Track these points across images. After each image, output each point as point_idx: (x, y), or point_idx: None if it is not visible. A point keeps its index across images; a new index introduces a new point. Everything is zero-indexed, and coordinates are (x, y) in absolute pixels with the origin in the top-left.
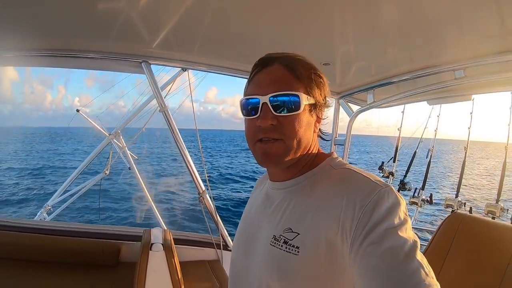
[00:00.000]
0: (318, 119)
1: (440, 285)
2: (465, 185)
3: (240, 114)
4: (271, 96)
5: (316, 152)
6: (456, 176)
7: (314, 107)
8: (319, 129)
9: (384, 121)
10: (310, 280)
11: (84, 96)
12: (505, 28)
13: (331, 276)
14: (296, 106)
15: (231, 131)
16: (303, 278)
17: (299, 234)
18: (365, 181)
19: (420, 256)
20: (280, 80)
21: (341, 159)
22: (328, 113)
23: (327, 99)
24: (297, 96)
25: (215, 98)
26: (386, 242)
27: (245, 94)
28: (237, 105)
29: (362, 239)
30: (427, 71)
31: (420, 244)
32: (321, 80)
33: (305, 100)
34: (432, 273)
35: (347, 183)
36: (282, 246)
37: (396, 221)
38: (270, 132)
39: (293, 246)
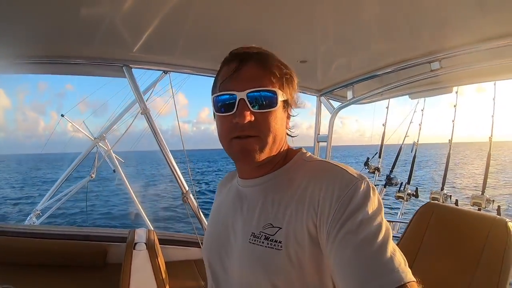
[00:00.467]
0: (289, 116)
1: (416, 273)
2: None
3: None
4: (248, 92)
5: (286, 148)
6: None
7: (286, 104)
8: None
9: (377, 130)
10: (296, 273)
11: (78, 121)
12: (480, 19)
13: (316, 268)
14: (273, 102)
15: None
16: (289, 273)
17: (280, 228)
18: (342, 173)
19: (392, 245)
20: (257, 76)
21: (310, 153)
22: (298, 110)
23: (297, 97)
24: (274, 92)
25: (208, 118)
26: (361, 231)
27: (218, 90)
28: None
29: (338, 229)
30: (405, 64)
31: (394, 236)
32: (292, 77)
33: (280, 97)
34: (405, 261)
35: (324, 174)
36: (263, 242)
37: (371, 210)
38: (247, 129)
39: (276, 241)
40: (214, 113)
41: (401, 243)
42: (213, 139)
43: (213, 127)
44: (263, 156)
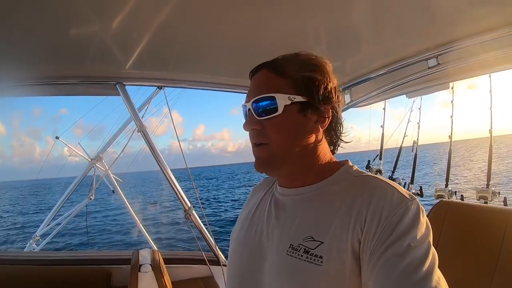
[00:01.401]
0: (321, 119)
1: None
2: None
3: (229, 148)
4: (252, 101)
5: (328, 157)
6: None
7: (306, 106)
8: (338, 132)
9: (374, 135)
10: None
11: (74, 145)
12: (472, 12)
13: (355, 287)
14: (273, 108)
15: (221, 166)
16: None
17: (322, 243)
18: (393, 192)
19: (438, 273)
20: (263, 84)
21: (357, 167)
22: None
23: (334, 95)
24: (272, 97)
25: (203, 134)
26: (408, 256)
27: None
28: (226, 139)
29: (383, 250)
30: (402, 63)
31: None
32: (316, 75)
33: (283, 100)
34: None
35: (374, 191)
36: (302, 256)
37: (420, 234)
38: (256, 136)
39: (316, 256)
40: None
41: None
42: (211, 156)
43: (209, 143)
44: (275, 163)
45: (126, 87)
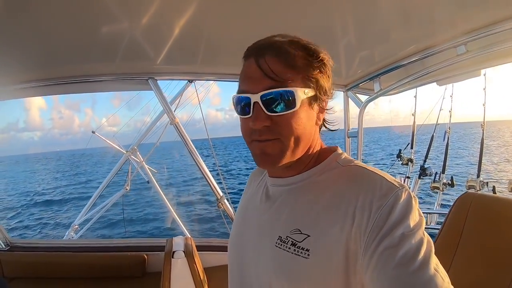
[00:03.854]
0: (321, 109)
1: (456, 269)
2: None
3: None
4: (262, 94)
5: (319, 146)
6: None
7: (315, 98)
8: (323, 119)
9: (409, 111)
10: (321, 284)
11: (111, 116)
12: None
13: (343, 281)
14: (291, 103)
15: None
16: (314, 283)
17: (309, 236)
18: (381, 181)
19: (435, 260)
20: (272, 73)
21: (346, 155)
22: (335, 101)
23: (331, 86)
24: (292, 91)
25: None
26: (402, 247)
27: (238, 89)
28: None
29: (377, 243)
30: (430, 51)
31: (432, 228)
32: (321, 66)
33: (301, 95)
34: (447, 278)
35: (361, 182)
36: (290, 248)
37: (412, 223)
38: (264, 133)
39: (303, 249)
40: None
41: (440, 237)
42: None
43: None
44: (285, 159)
45: (158, 82)
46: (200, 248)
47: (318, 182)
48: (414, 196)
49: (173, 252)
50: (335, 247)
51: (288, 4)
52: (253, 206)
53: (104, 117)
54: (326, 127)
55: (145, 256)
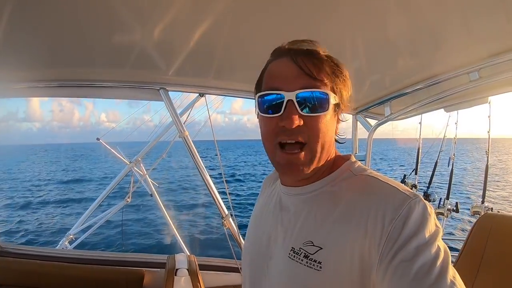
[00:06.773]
0: (338, 120)
1: None
2: None
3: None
4: (298, 93)
5: (334, 154)
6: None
7: (338, 107)
8: (338, 134)
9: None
10: None
11: (111, 112)
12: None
13: None
14: (325, 105)
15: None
16: None
17: (321, 248)
18: (394, 192)
19: (452, 272)
20: (308, 74)
21: (360, 163)
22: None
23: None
24: (326, 94)
25: (241, 109)
26: (418, 259)
27: (263, 88)
28: None
29: (392, 256)
30: (441, 77)
31: (452, 254)
32: (345, 77)
33: (332, 100)
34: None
35: (373, 193)
36: (302, 260)
37: (427, 235)
38: (295, 134)
39: (315, 261)
40: (257, 113)
41: (460, 260)
42: (245, 130)
43: (245, 118)
44: (311, 168)
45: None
46: (201, 267)
47: (331, 192)
48: (429, 206)
49: (176, 269)
50: (348, 259)
51: (301, 25)
52: (267, 215)
53: (103, 112)
54: (336, 139)
55: (144, 272)
